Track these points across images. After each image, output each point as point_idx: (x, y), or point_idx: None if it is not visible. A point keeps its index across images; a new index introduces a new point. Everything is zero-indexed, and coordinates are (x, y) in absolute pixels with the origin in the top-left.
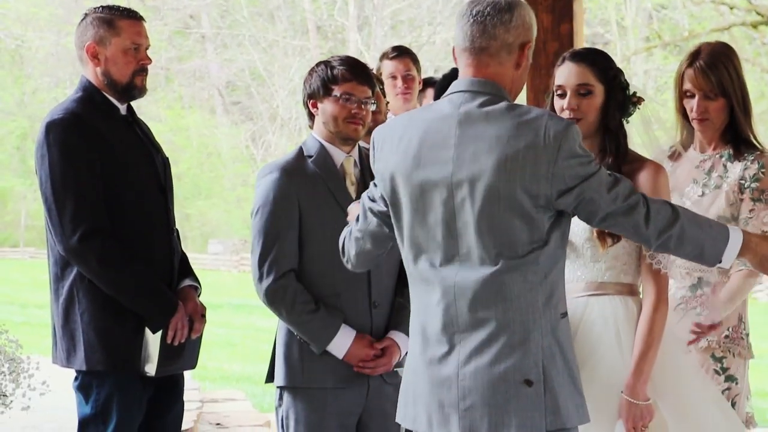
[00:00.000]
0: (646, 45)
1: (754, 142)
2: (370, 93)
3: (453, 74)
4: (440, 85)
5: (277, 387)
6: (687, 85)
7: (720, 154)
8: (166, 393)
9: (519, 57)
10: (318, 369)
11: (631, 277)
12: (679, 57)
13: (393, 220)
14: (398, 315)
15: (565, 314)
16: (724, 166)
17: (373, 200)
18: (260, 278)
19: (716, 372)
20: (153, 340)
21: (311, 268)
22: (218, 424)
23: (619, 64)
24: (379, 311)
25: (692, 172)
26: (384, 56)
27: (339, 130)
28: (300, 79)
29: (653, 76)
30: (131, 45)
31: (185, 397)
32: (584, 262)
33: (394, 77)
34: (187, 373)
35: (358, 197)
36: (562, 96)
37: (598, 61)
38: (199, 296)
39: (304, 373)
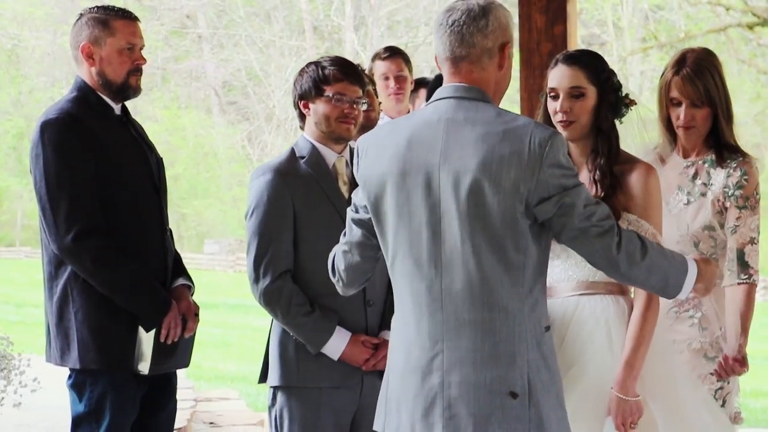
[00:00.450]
0: (643, 46)
1: (736, 146)
2: (361, 93)
3: None
4: (432, 86)
5: (271, 387)
6: (674, 93)
7: (703, 160)
8: (160, 391)
9: (501, 59)
10: (313, 369)
11: None
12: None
13: (376, 228)
14: (391, 314)
15: (548, 328)
16: (708, 173)
17: (356, 211)
18: (256, 280)
19: (709, 373)
20: (146, 339)
21: (306, 268)
22: (212, 423)
23: (616, 65)
24: (373, 310)
25: (676, 179)
26: (376, 57)
27: (331, 130)
28: None
29: (649, 76)
30: (126, 45)
31: (179, 396)
32: (575, 261)
33: (386, 77)
34: (181, 373)
35: (350, 197)
36: (555, 98)
37: (590, 64)
38: (192, 295)
39: (299, 373)
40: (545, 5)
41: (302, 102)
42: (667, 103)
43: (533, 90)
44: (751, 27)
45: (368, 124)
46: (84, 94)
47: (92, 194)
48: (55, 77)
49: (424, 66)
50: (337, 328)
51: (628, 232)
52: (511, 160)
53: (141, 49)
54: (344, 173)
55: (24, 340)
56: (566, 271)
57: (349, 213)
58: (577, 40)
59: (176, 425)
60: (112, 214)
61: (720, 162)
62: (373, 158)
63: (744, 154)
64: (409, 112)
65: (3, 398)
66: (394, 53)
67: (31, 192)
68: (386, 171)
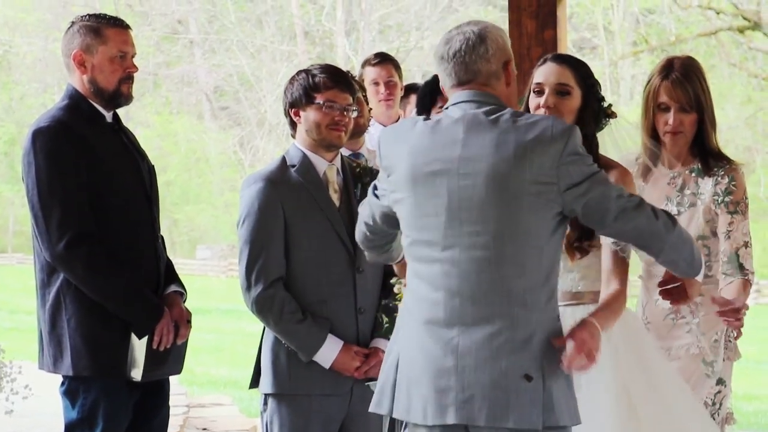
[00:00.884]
0: (634, 49)
1: (720, 152)
2: (351, 100)
3: (434, 81)
4: (422, 92)
5: (263, 393)
6: (663, 98)
7: (689, 170)
8: (152, 398)
9: (507, 77)
10: (304, 376)
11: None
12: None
13: (397, 212)
14: (382, 321)
15: (558, 317)
16: (696, 182)
17: (379, 195)
18: (248, 287)
19: (707, 376)
20: (139, 346)
21: (297, 276)
22: (204, 429)
23: (607, 69)
24: (364, 317)
25: (664, 190)
26: (366, 63)
27: (322, 137)
28: None
29: (640, 80)
30: (118, 53)
31: (171, 402)
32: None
33: (376, 83)
34: (173, 378)
35: (342, 205)
36: (540, 93)
37: (579, 66)
38: (184, 302)
39: (290, 381)
40: (535, 10)
41: (293, 110)
42: (654, 109)
43: (524, 95)
44: (741, 30)
45: (357, 131)
46: (75, 102)
47: (84, 202)
48: (46, 83)
49: (415, 71)
50: (329, 336)
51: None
52: (535, 147)
53: (132, 57)
54: (335, 181)
55: (17, 346)
56: None
57: (371, 197)
58: (568, 45)
59: (169, 431)
60: (103, 221)
61: (707, 171)
62: (394, 146)
63: (729, 161)
64: (399, 118)
65: None
66: (384, 59)
67: (23, 198)
68: (408, 157)
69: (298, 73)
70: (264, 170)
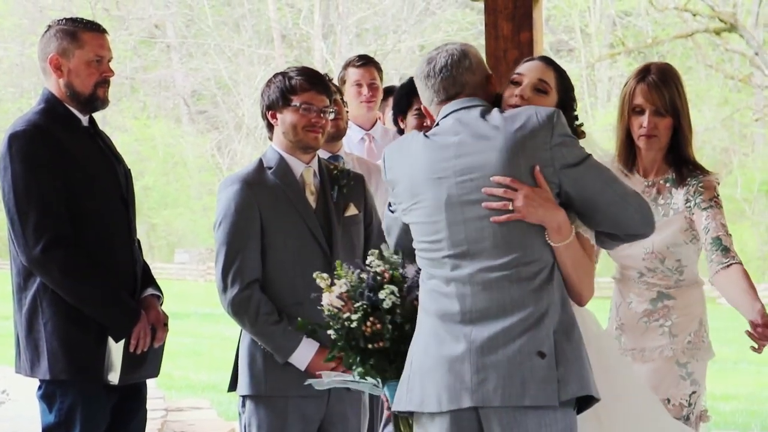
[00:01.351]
0: (610, 52)
1: (696, 162)
2: (328, 102)
3: (410, 83)
4: (398, 94)
5: (240, 396)
6: (638, 100)
7: (664, 179)
8: (130, 401)
9: (490, 88)
10: (281, 378)
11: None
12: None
13: (406, 221)
14: None
15: (566, 294)
16: (670, 191)
17: (393, 210)
18: (224, 289)
19: (682, 378)
20: (116, 349)
21: (274, 278)
22: None
23: (584, 71)
24: None
25: None
26: (349, 64)
27: (299, 139)
28: None
29: (617, 82)
30: (94, 57)
31: (149, 406)
32: None
33: (359, 85)
34: (151, 382)
35: (318, 207)
36: (518, 84)
37: (563, 74)
38: (161, 305)
39: (267, 383)
40: (511, 12)
41: (270, 112)
42: (629, 112)
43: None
44: (718, 32)
45: (337, 134)
46: (52, 106)
47: (60, 205)
48: (23, 88)
49: (392, 73)
50: (305, 338)
51: None
52: (525, 134)
53: (109, 61)
54: (312, 183)
55: None
56: None
57: (387, 213)
58: (544, 47)
59: None
60: (80, 225)
61: (680, 181)
62: (398, 160)
63: (705, 172)
64: (377, 120)
65: None
66: (367, 62)
67: None
68: (408, 172)
69: (275, 75)
70: (241, 172)
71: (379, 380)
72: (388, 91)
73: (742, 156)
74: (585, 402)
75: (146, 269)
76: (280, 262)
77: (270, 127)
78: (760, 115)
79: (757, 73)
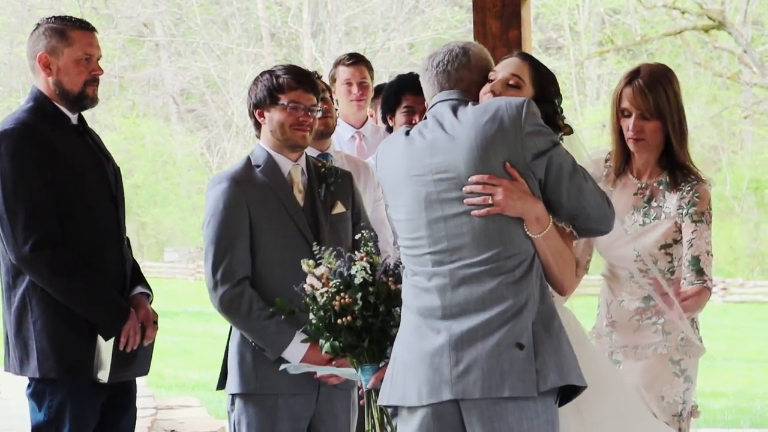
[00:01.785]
0: (599, 49)
1: (690, 166)
2: (315, 100)
3: (399, 81)
4: (386, 93)
5: (230, 394)
6: (624, 104)
7: (657, 182)
8: (119, 399)
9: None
10: (271, 376)
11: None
12: (632, 61)
13: (392, 215)
14: None
15: (547, 286)
16: (663, 195)
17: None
18: (214, 287)
19: (675, 375)
20: (105, 347)
21: (262, 276)
22: (173, 430)
23: (573, 69)
24: None
25: (631, 199)
26: (340, 62)
27: (286, 137)
28: None
29: (606, 80)
30: (83, 55)
31: (139, 405)
32: None
33: (349, 83)
34: (141, 381)
35: (306, 205)
36: (491, 81)
37: (540, 67)
38: (150, 303)
39: (257, 380)
40: (500, 10)
41: (257, 111)
42: (618, 113)
43: None
44: (706, 30)
45: (326, 131)
46: (40, 104)
47: (49, 204)
48: (11, 87)
49: (382, 72)
50: (298, 332)
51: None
52: (495, 128)
53: (98, 59)
54: (299, 181)
55: None
56: None
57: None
58: (533, 45)
59: None
60: (69, 223)
61: (674, 185)
62: (384, 160)
63: (699, 178)
64: (368, 119)
65: None
66: (358, 60)
67: None
68: (391, 170)
69: (262, 73)
70: (229, 170)
71: (355, 362)
72: (379, 90)
73: (731, 153)
74: (569, 393)
75: (136, 267)
76: (268, 260)
77: (257, 126)
78: (748, 112)
79: (746, 71)
